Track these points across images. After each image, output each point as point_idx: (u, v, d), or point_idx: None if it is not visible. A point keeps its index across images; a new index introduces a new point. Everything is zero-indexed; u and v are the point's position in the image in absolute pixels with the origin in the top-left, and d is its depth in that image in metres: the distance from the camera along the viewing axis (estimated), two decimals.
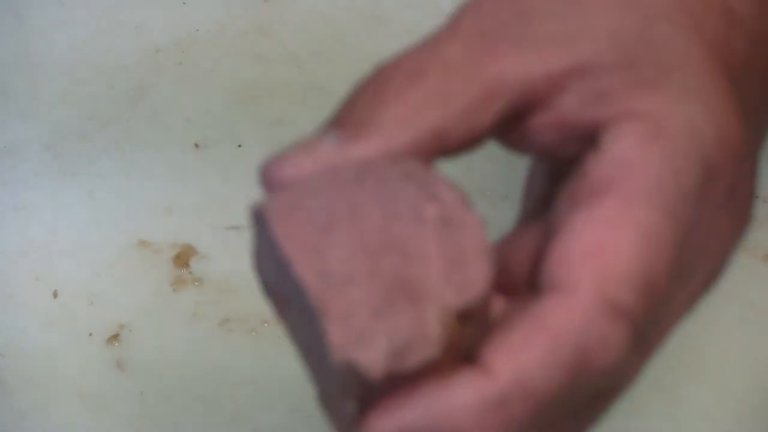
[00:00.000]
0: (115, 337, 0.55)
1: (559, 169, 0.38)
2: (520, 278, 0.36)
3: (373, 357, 0.32)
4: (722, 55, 0.37)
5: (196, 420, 0.52)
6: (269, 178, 0.39)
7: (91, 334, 0.55)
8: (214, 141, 0.64)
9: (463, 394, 0.32)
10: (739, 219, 0.39)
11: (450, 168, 0.62)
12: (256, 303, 0.57)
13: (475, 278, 0.33)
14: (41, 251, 0.58)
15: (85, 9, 0.70)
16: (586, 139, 0.36)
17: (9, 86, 0.66)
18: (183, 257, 0.58)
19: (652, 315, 0.35)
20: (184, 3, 0.71)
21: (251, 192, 0.61)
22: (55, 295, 0.56)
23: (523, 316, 0.34)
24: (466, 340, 0.33)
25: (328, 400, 0.34)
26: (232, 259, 0.58)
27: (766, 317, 0.57)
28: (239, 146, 0.64)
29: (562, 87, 0.36)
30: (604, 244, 0.34)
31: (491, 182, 0.61)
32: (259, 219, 0.36)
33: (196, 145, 0.64)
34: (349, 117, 0.37)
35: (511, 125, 0.37)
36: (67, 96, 0.66)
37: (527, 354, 0.33)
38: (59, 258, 0.58)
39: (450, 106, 0.35)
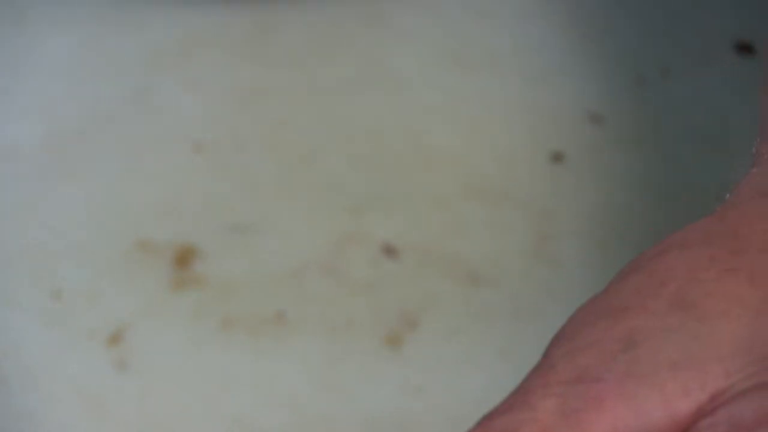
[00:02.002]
0: (115, 337, 0.55)
1: None
2: None
3: None
4: None
5: (197, 421, 0.52)
6: None
7: (91, 335, 0.55)
8: (214, 141, 0.64)
9: None
10: None
11: (450, 167, 0.62)
12: (257, 303, 0.57)
13: None
14: (41, 251, 0.58)
15: (85, 9, 0.70)
16: None
17: (9, 86, 0.66)
18: (183, 257, 0.58)
19: None
20: (184, 3, 0.71)
21: (252, 192, 0.62)
22: (55, 295, 0.56)
23: None
24: None
25: None
26: (232, 259, 0.58)
27: None
28: (240, 146, 0.64)
29: (689, 424, 0.28)
30: None
31: (491, 182, 0.61)
32: None
33: (196, 145, 0.64)
34: None
35: None
36: (68, 96, 0.66)
37: None
38: (59, 258, 0.58)
39: None
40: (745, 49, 0.70)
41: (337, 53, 0.69)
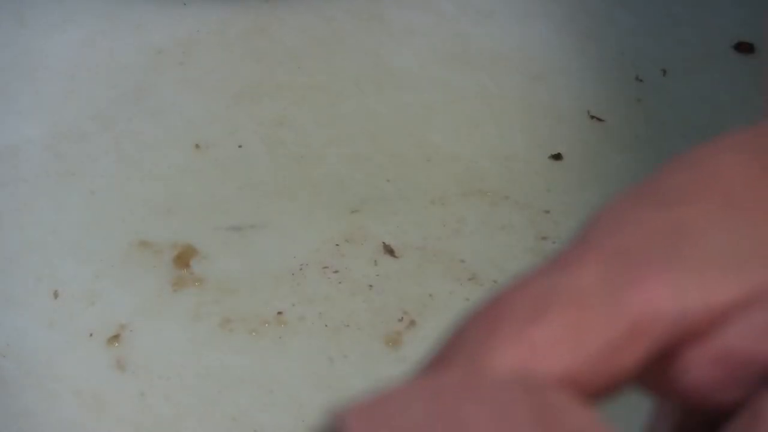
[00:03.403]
0: (115, 337, 0.55)
1: (691, 419, 0.31)
2: None
3: None
4: None
5: (196, 420, 0.52)
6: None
7: (91, 335, 0.55)
8: (214, 141, 0.64)
9: None
10: None
11: (449, 167, 0.62)
12: (256, 303, 0.57)
13: None
14: (41, 251, 0.58)
15: (86, 9, 0.70)
16: (756, 379, 0.29)
17: (9, 86, 0.66)
18: (183, 257, 0.58)
19: None
20: (184, 3, 0.71)
21: (252, 192, 0.62)
22: (55, 295, 0.56)
23: None
24: None
25: None
26: (232, 259, 0.58)
27: None
28: (239, 146, 0.64)
29: (727, 318, 0.29)
30: None
31: (491, 182, 0.61)
32: None
33: (197, 146, 0.64)
34: (452, 358, 0.29)
35: (657, 364, 0.30)
36: (67, 96, 0.66)
37: None
38: (59, 258, 0.58)
39: (583, 349, 0.28)
40: (744, 48, 0.70)
41: (336, 53, 0.69)
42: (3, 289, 0.56)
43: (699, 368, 0.29)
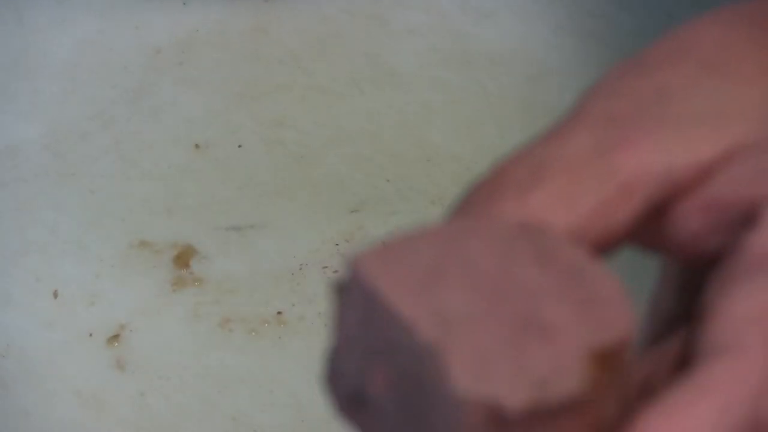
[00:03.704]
0: (115, 337, 0.55)
1: (693, 276, 0.33)
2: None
3: (509, 391, 0.27)
4: None
5: (196, 420, 0.52)
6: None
7: (91, 335, 0.55)
8: (214, 141, 0.64)
9: None
10: None
11: (449, 167, 0.62)
12: (256, 303, 0.57)
13: (614, 320, 0.28)
14: (41, 251, 0.58)
15: (85, 9, 0.70)
16: (739, 222, 0.31)
17: (9, 86, 0.66)
18: (183, 257, 0.58)
19: None
20: (184, 3, 0.71)
21: (251, 192, 0.62)
22: (55, 295, 0.56)
23: (680, 385, 0.29)
24: (607, 397, 0.28)
25: None
26: (232, 259, 0.58)
27: None
28: (239, 146, 0.64)
29: (712, 172, 0.31)
30: None
31: None
32: (346, 287, 0.30)
33: (196, 145, 0.64)
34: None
35: (650, 220, 0.32)
36: (67, 96, 0.66)
37: (694, 420, 0.28)
38: (59, 258, 0.58)
39: (578, 208, 0.30)
40: None
41: (335, 53, 0.69)
42: (3, 289, 0.56)
43: (688, 218, 0.31)
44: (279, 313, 0.56)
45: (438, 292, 0.28)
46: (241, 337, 0.55)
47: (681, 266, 0.34)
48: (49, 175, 0.62)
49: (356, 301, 0.29)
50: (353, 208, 0.61)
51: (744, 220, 0.31)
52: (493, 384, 0.26)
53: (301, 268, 0.58)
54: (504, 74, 0.64)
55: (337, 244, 0.59)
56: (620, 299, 0.28)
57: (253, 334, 0.55)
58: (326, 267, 0.58)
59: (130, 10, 0.70)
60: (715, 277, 0.31)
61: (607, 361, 0.28)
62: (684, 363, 0.30)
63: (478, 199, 0.32)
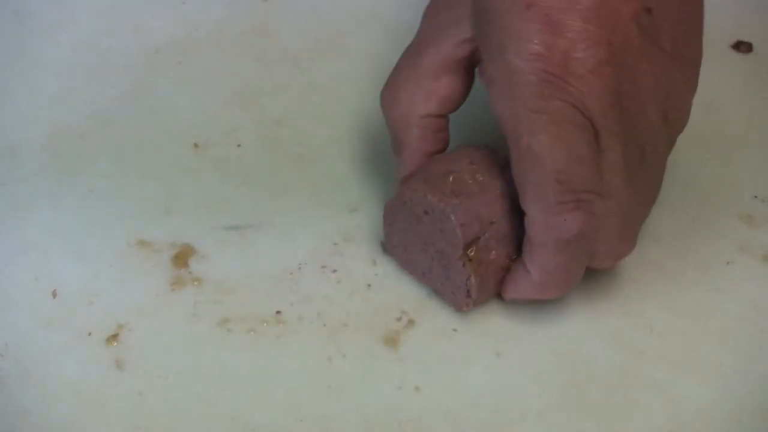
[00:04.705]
0: (114, 336, 0.55)
1: None
2: None
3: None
4: None
5: (195, 420, 0.52)
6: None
7: (90, 334, 0.55)
8: (213, 140, 0.64)
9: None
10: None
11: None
12: (254, 303, 0.57)
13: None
14: (41, 251, 0.58)
15: (85, 9, 0.70)
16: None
17: (7, 86, 0.66)
18: (182, 257, 0.58)
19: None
20: (183, 3, 0.71)
21: (250, 192, 0.62)
22: (54, 294, 0.56)
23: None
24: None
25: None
26: (231, 258, 0.58)
27: (766, 317, 0.57)
28: (239, 146, 0.64)
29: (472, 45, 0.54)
30: None
31: None
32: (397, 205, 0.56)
33: (196, 145, 0.64)
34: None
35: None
36: (67, 96, 0.66)
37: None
38: (59, 258, 0.58)
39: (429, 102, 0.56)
40: (743, 48, 0.70)
41: (335, 53, 0.69)
42: (1, 289, 0.56)
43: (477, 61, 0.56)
44: (278, 312, 0.56)
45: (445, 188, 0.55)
46: (240, 337, 0.55)
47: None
48: (49, 174, 0.62)
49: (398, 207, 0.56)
50: (352, 207, 0.61)
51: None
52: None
53: (300, 268, 0.58)
54: None
55: (335, 244, 0.59)
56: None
57: (252, 333, 0.55)
58: (325, 266, 0.58)
59: (129, 10, 0.70)
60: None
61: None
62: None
63: (385, 92, 0.56)
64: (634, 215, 0.54)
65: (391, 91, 0.56)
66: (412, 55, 0.56)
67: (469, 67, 0.55)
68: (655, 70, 0.52)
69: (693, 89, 0.54)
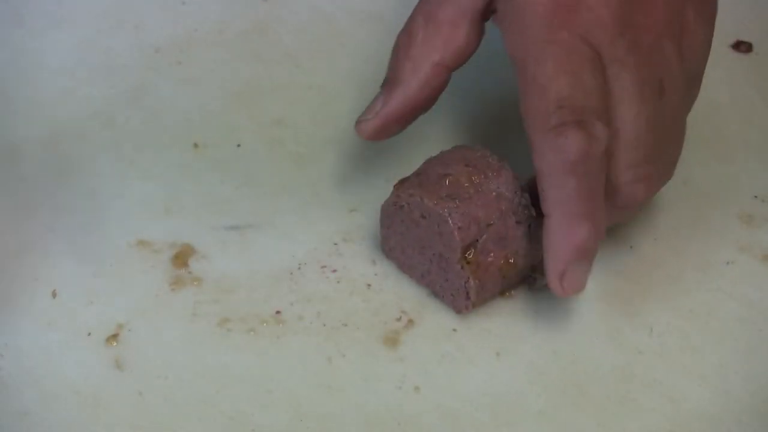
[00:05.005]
0: (114, 336, 0.55)
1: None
2: None
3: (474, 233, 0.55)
4: None
5: (195, 420, 0.52)
6: (360, 134, 0.57)
7: (90, 334, 0.55)
8: (212, 140, 0.64)
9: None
10: None
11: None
12: (254, 303, 0.57)
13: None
14: (39, 250, 0.58)
15: (85, 9, 0.70)
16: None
17: (7, 86, 0.66)
18: (182, 257, 0.58)
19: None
20: (183, 3, 0.71)
21: (250, 192, 0.62)
22: (54, 294, 0.56)
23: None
24: None
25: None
26: (230, 258, 0.58)
27: (766, 317, 0.57)
28: (238, 146, 0.64)
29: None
30: None
31: None
32: (394, 210, 0.57)
33: (196, 145, 0.64)
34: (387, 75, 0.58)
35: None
36: (67, 96, 0.66)
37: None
38: (57, 257, 0.58)
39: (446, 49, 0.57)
40: (743, 47, 0.70)
41: (336, 53, 0.69)
42: (1, 289, 0.56)
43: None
44: (277, 312, 0.56)
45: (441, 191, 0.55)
46: (240, 337, 0.55)
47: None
48: (49, 174, 0.62)
49: (401, 213, 0.56)
50: (352, 207, 0.61)
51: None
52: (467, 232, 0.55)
53: (299, 268, 0.58)
54: (503, 73, 0.64)
55: (335, 244, 0.59)
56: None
57: (252, 333, 0.55)
58: (325, 266, 0.58)
59: (129, 10, 0.70)
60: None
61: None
62: None
63: (402, 35, 0.57)
64: (657, 150, 0.54)
65: (408, 34, 0.57)
66: (432, 2, 0.57)
67: (482, 21, 0.57)
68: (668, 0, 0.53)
69: (706, 27, 0.55)
